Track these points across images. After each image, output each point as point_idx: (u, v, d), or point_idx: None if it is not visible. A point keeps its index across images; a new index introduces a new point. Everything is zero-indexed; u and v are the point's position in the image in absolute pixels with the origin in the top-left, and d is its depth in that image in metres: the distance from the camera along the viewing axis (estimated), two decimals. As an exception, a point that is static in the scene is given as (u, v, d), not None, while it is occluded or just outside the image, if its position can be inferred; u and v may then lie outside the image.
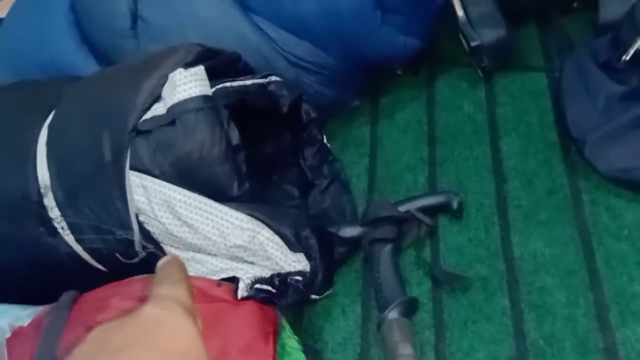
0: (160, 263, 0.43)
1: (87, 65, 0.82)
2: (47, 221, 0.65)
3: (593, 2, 0.77)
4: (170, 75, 0.61)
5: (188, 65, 0.64)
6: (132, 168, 0.61)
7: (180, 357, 0.33)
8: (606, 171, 0.67)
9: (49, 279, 0.67)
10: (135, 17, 0.79)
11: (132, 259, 0.64)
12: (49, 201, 0.64)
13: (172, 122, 0.60)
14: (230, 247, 0.60)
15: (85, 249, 0.65)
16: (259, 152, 0.78)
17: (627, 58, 0.68)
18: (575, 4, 0.85)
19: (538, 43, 0.85)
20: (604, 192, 0.68)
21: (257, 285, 0.59)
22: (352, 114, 0.87)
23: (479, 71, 0.84)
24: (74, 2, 0.83)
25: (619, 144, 0.66)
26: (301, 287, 0.61)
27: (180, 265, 0.42)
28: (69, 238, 0.65)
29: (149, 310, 0.36)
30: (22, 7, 0.93)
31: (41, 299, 0.64)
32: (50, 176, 0.64)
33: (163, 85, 0.62)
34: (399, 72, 0.89)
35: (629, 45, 0.67)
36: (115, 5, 0.79)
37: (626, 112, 0.67)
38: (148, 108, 0.62)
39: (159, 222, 0.61)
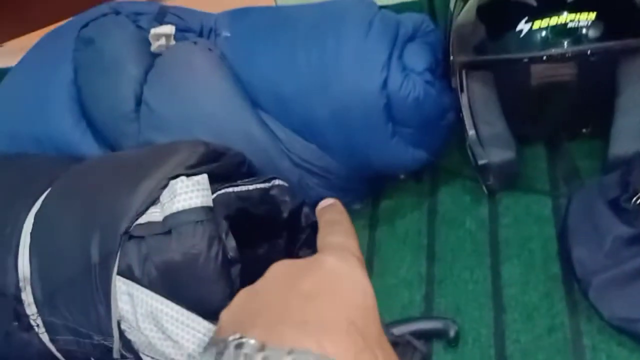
0: (322, 206, 0.43)
1: (84, 142, 0.80)
2: (22, 316, 0.61)
3: (604, 131, 0.77)
4: (172, 183, 0.58)
5: (190, 167, 0.62)
6: (119, 274, 0.58)
7: (359, 310, 0.33)
8: (609, 318, 0.64)
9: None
10: (139, 101, 0.77)
11: (108, 367, 0.60)
12: (27, 296, 0.61)
13: (168, 232, 0.57)
14: (215, 369, 0.57)
15: (58, 349, 0.61)
16: (252, 251, 0.75)
17: (638, 202, 0.66)
18: (585, 131, 0.84)
19: (545, 166, 0.84)
20: (606, 338, 0.66)
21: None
22: (351, 216, 0.83)
23: (484, 187, 0.83)
24: (77, 77, 0.81)
25: (625, 291, 0.64)
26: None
27: (345, 213, 0.42)
28: (44, 337, 0.61)
29: (330, 260, 0.36)
30: (25, 70, 0.91)
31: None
32: (32, 270, 0.61)
33: (162, 188, 0.60)
34: (402, 176, 0.88)
35: (639, 189, 0.66)
36: (120, 87, 0.77)
37: (634, 257, 0.65)
38: (144, 211, 0.59)
39: (142, 333, 0.57)
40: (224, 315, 0.37)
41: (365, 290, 0.34)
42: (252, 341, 0.30)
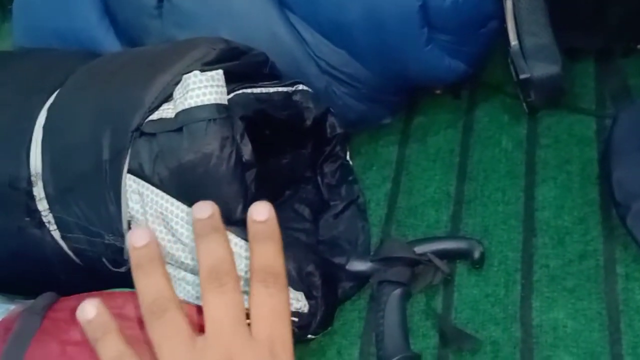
0: (253, 218, 0.31)
1: (106, 40, 0.77)
2: (33, 212, 0.60)
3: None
4: (185, 77, 0.55)
5: (207, 64, 0.58)
6: (130, 172, 0.56)
7: None
8: (648, 246, 0.60)
9: (33, 271, 0.63)
10: (162, -4, 0.73)
11: (119, 267, 0.59)
12: (38, 191, 0.59)
13: (180, 129, 0.54)
14: (225, 274, 0.55)
15: (70, 247, 0.60)
16: (275, 161, 0.72)
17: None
18: (639, 46, 0.77)
19: (593, 83, 0.78)
20: (642, 268, 0.62)
21: (248, 321, 0.54)
22: (381, 131, 0.81)
23: (524, 105, 0.77)
24: (101, -29, 0.77)
25: (668, 219, 0.60)
26: (296, 329, 0.56)
27: (280, 245, 0.30)
28: (55, 234, 0.60)
29: None
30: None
31: (24, 291, 0.60)
32: (43, 164, 0.59)
33: (176, 84, 0.57)
34: (438, 91, 0.82)
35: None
36: (142, -18, 0.73)
37: (682, 183, 0.60)
38: (157, 107, 0.56)
39: (152, 234, 0.56)
40: None
41: None
42: None
